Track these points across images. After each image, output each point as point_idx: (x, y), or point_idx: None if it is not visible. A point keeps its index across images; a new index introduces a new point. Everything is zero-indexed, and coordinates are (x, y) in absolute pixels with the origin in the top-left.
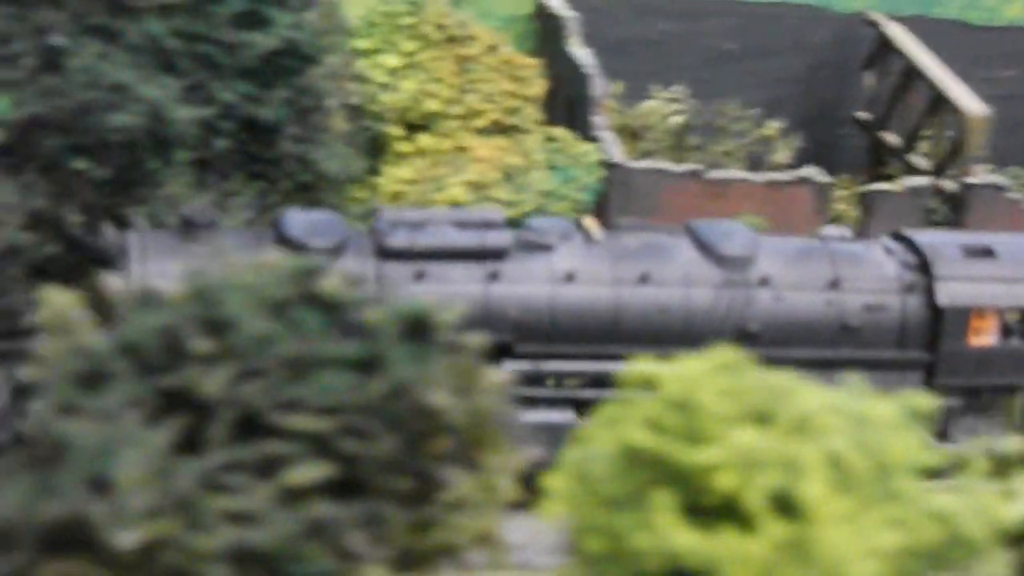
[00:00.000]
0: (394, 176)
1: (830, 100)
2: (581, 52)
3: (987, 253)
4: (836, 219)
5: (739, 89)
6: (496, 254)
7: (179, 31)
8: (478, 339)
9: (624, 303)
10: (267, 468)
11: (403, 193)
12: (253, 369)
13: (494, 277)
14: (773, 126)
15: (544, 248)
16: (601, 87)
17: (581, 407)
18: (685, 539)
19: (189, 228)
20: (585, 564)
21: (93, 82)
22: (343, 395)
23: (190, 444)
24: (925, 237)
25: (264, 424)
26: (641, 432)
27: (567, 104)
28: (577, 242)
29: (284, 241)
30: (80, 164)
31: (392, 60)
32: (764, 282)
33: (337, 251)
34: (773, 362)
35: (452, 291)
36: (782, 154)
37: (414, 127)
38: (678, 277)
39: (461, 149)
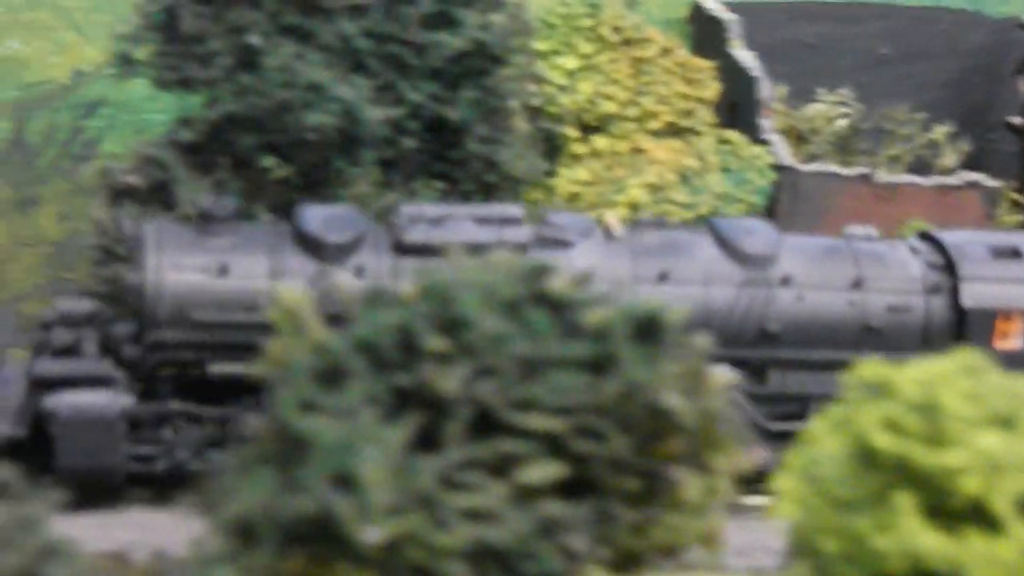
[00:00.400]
0: (570, 177)
1: (982, 105)
2: (744, 55)
3: (1015, 254)
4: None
5: (892, 93)
6: (515, 250)
7: (370, 31)
8: (704, 340)
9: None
10: (501, 467)
11: (579, 194)
12: (487, 368)
13: None
14: (941, 130)
15: (563, 244)
16: (767, 90)
17: None
18: (930, 541)
19: (206, 220)
20: (818, 565)
21: (290, 81)
22: (576, 395)
23: (424, 441)
24: (951, 237)
25: (498, 423)
26: (881, 435)
27: (729, 106)
28: (596, 239)
29: (301, 235)
30: (268, 162)
31: (570, 62)
32: (786, 281)
33: (354, 246)
34: (794, 363)
35: None
36: (949, 158)
37: (588, 128)
38: (698, 275)
39: (637, 151)
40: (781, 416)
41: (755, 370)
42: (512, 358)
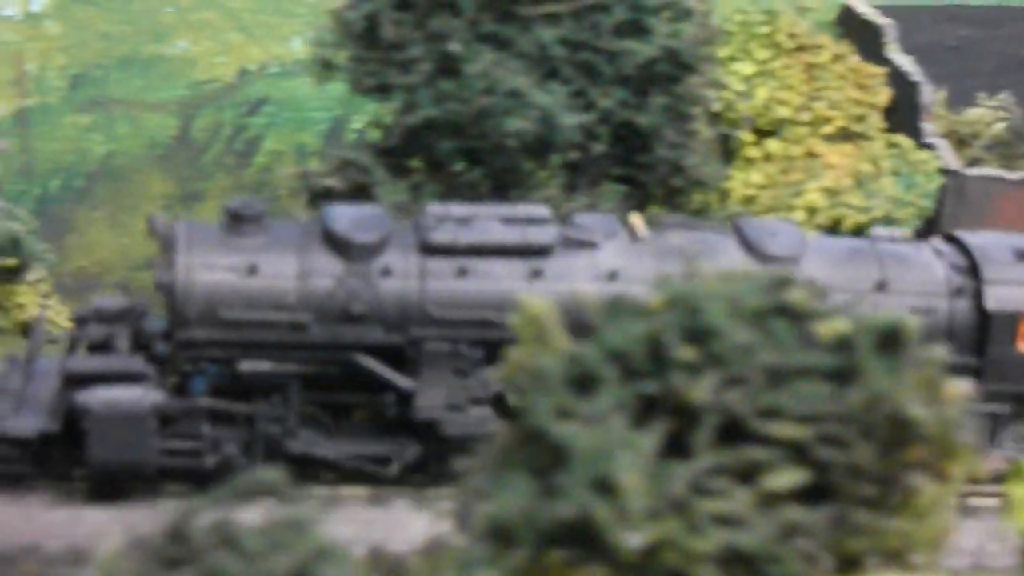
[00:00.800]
0: (744, 181)
1: None
2: (903, 59)
3: None
4: None
5: None
6: (539, 251)
7: (565, 39)
8: (942, 351)
9: None
10: (747, 473)
11: (754, 198)
12: (735, 377)
13: (537, 274)
14: None
15: (588, 245)
16: (928, 94)
17: None
18: None
19: (236, 221)
20: None
21: (490, 88)
22: (820, 404)
23: (672, 448)
24: (976, 239)
25: (744, 430)
26: None
27: (889, 111)
28: (622, 239)
29: (329, 235)
30: (460, 166)
31: (747, 68)
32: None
33: (380, 246)
34: None
35: (494, 287)
36: None
37: (762, 133)
38: None
39: (811, 155)
40: None
41: None
42: (758, 367)
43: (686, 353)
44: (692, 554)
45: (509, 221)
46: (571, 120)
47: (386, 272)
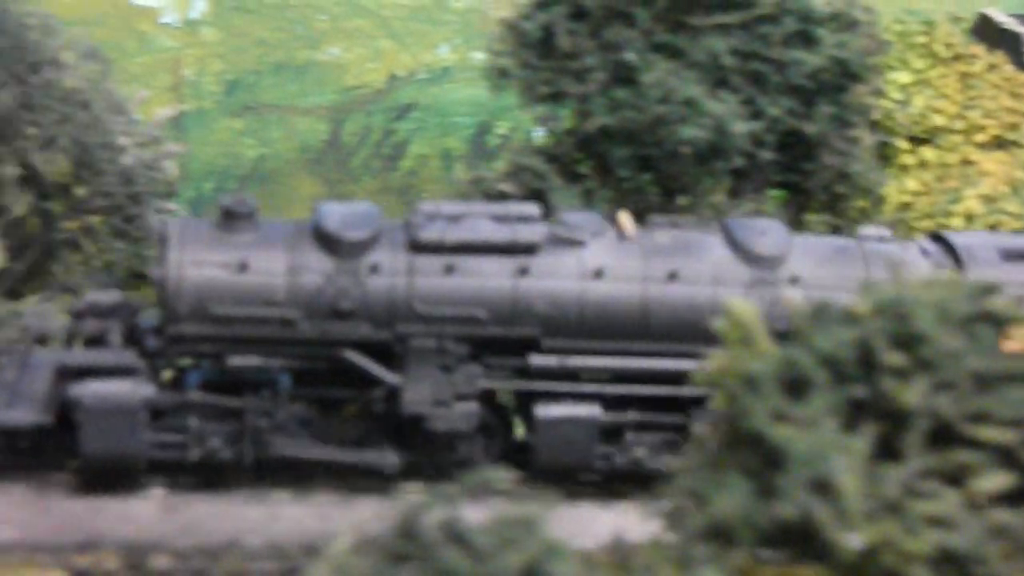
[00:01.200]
0: (900, 188)
1: None
2: None
3: None
4: None
5: None
6: (526, 249)
7: (736, 49)
8: None
9: (652, 300)
10: (956, 476)
11: (910, 204)
12: (944, 382)
13: (523, 271)
14: None
15: (575, 244)
16: None
17: (607, 402)
18: None
19: (228, 218)
20: None
21: (666, 97)
22: None
23: (882, 451)
24: (961, 238)
25: (953, 434)
26: None
27: None
28: (609, 238)
29: (319, 233)
30: (628, 172)
31: (904, 77)
32: (794, 281)
33: (370, 243)
34: None
35: (481, 285)
36: None
37: (916, 140)
38: (707, 275)
39: (966, 163)
40: None
41: None
42: (966, 373)
43: (896, 358)
44: (908, 554)
45: (500, 219)
46: (742, 128)
47: (375, 269)
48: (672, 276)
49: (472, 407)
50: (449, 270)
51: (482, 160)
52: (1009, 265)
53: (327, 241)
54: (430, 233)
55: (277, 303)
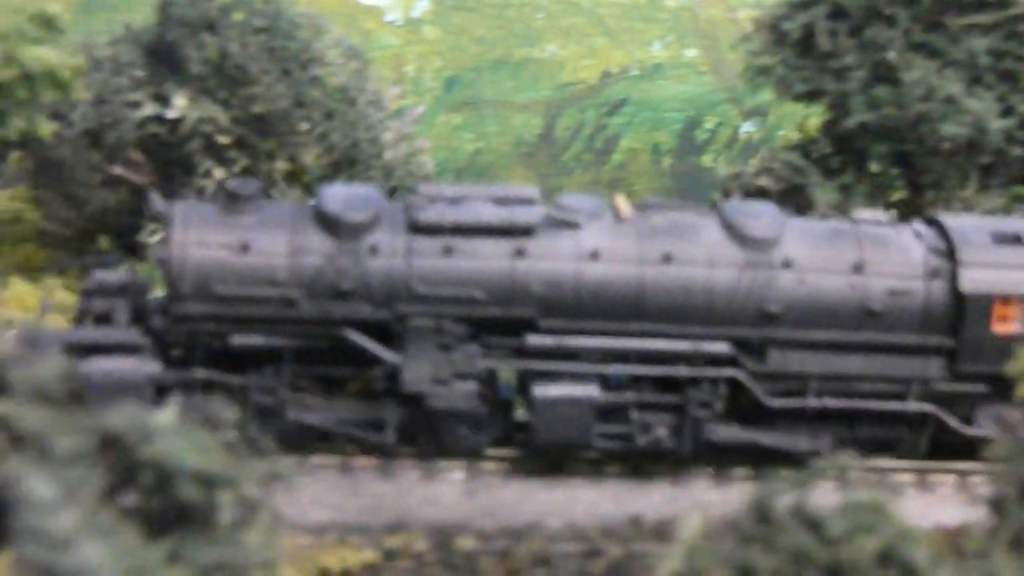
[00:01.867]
0: None
1: None
2: None
3: (1017, 240)
4: None
5: None
6: (524, 231)
7: (992, 49)
8: None
9: (647, 282)
10: None
11: None
12: None
13: (520, 253)
14: None
15: (571, 226)
16: None
17: (605, 382)
18: None
19: (232, 200)
20: None
21: (928, 95)
22: None
23: None
24: (955, 222)
25: None
26: None
27: None
28: (605, 220)
29: (320, 214)
30: (880, 167)
31: None
32: (787, 264)
33: (370, 225)
34: (793, 343)
35: (479, 266)
36: None
37: None
38: (702, 257)
39: None
40: (780, 393)
41: (755, 349)
42: None
43: None
44: None
45: (499, 201)
46: (998, 125)
47: (374, 250)
48: (667, 258)
49: (471, 386)
50: (448, 251)
51: (690, 154)
52: (1000, 248)
53: (328, 223)
54: (429, 215)
55: (279, 283)
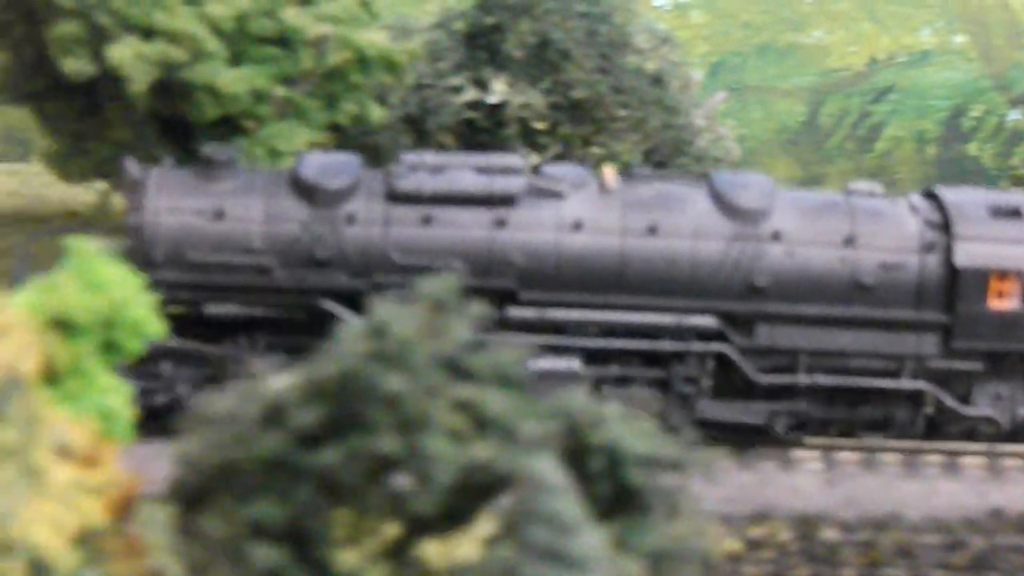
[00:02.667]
0: None
1: None
2: None
3: (1015, 214)
4: None
5: None
6: (505, 200)
7: None
8: None
9: (630, 253)
10: None
11: None
12: None
13: (501, 223)
14: None
15: (554, 195)
16: None
17: (588, 356)
18: None
19: (207, 166)
20: None
21: None
22: None
23: None
24: (952, 195)
25: None
26: None
27: None
28: (590, 191)
29: (296, 181)
30: None
31: None
32: (776, 236)
33: (347, 193)
34: (782, 318)
35: (458, 236)
36: None
37: None
38: (687, 229)
39: None
40: (769, 369)
41: (742, 324)
42: None
43: None
44: None
45: (482, 170)
46: None
47: (351, 219)
48: (651, 229)
49: None
50: (426, 221)
51: (956, 143)
52: (998, 222)
53: (305, 189)
54: (408, 183)
55: (254, 251)
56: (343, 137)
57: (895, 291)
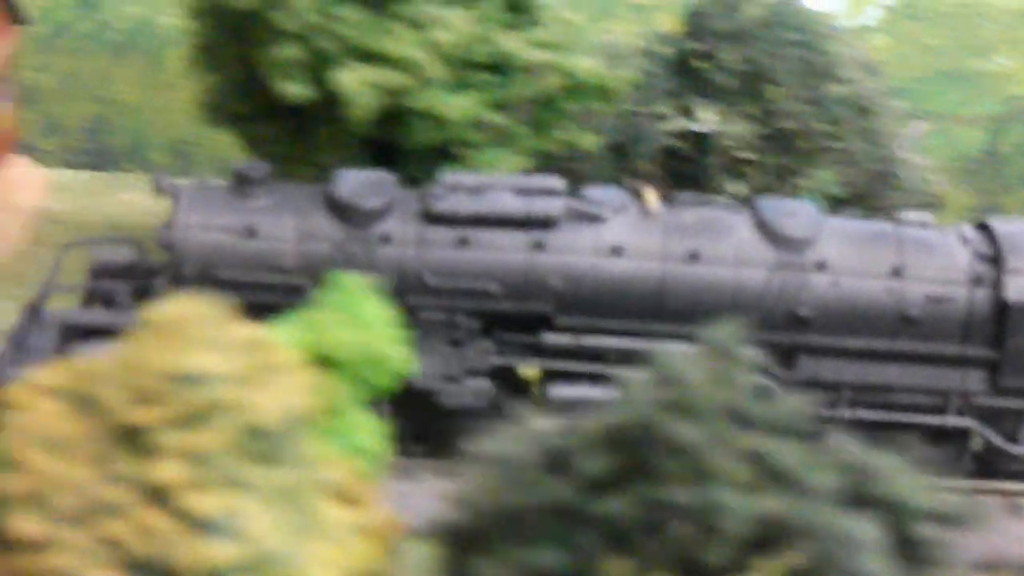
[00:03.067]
0: None
1: None
2: None
3: None
4: None
5: None
6: (543, 222)
7: None
8: None
9: (671, 280)
10: None
11: None
12: None
13: (539, 246)
14: None
15: (594, 219)
16: None
17: None
18: None
19: (241, 183)
20: None
21: None
22: None
23: None
24: (1005, 227)
25: None
26: None
27: None
28: (630, 215)
29: (331, 200)
30: None
31: None
32: (821, 266)
33: (382, 212)
34: (825, 350)
35: (495, 258)
36: None
37: None
38: (730, 256)
39: None
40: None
41: (784, 355)
42: None
43: None
44: None
45: (521, 192)
46: None
47: (385, 239)
48: (693, 256)
49: (483, 383)
50: (462, 242)
51: None
52: None
53: (339, 208)
54: (444, 204)
55: (285, 270)
56: (549, 164)
57: (942, 325)
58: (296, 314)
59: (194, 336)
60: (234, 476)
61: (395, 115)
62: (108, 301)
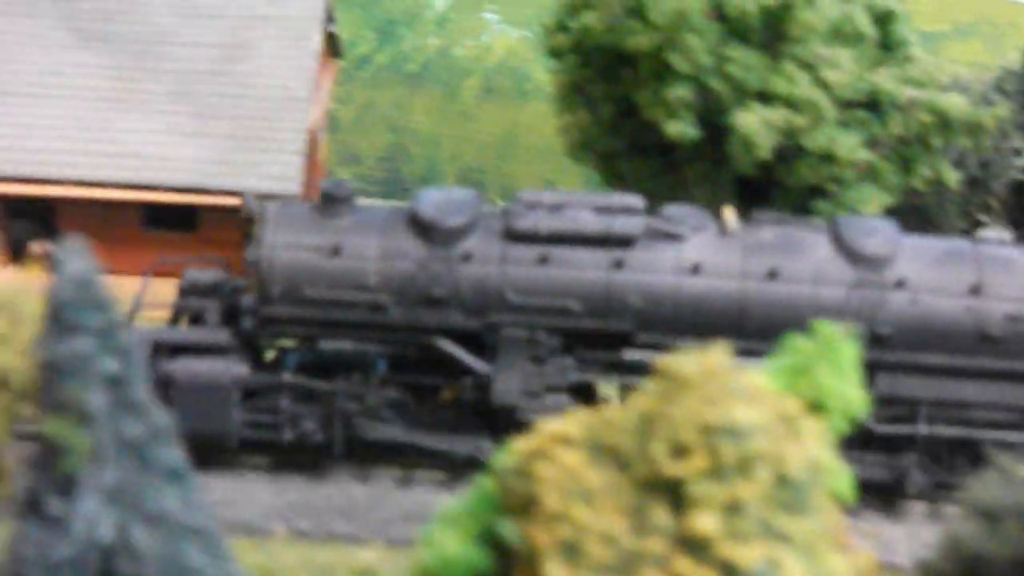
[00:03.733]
0: None
1: None
2: None
3: None
4: None
5: None
6: (623, 241)
7: None
8: None
9: (750, 298)
10: None
11: None
12: None
13: (619, 264)
14: None
15: (674, 238)
16: None
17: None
18: None
19: (327, 202)
20: None
21: None
22: None
23: None
24: None
25: None
26: None
27: None
28: (709, 233)
29: (414, 219)
30: None
31: None
32: (900, 284)
33: (465, 231)
34: (903, 367)
35: (575, 276)
36: None
37: None
38: (808, 274)
39: None
40: (889, 419)
41: (863, 372)
42: None
43: None
44: None
45: (601, 210)
46: None
47: (468, 257)
48: (772, 274)
49: (563, 399)
50: (543, 260)
51: None
52: None
53: (422, 227)
54: (525, 222)
55: (369, 288)
56: (908, 200)
57: (1021, 343)
58: (779, 360)
59: (723, 388)
60: (770, 527)
61: (782, 154)
62: (196, 319)
